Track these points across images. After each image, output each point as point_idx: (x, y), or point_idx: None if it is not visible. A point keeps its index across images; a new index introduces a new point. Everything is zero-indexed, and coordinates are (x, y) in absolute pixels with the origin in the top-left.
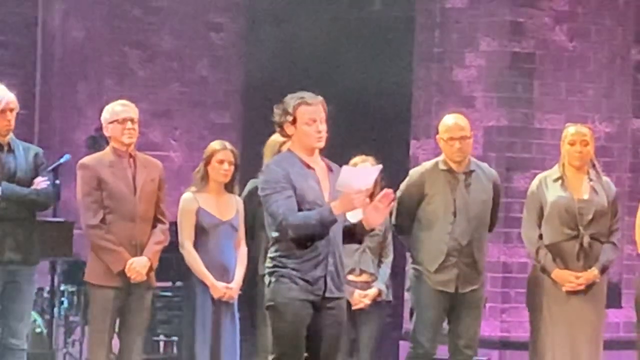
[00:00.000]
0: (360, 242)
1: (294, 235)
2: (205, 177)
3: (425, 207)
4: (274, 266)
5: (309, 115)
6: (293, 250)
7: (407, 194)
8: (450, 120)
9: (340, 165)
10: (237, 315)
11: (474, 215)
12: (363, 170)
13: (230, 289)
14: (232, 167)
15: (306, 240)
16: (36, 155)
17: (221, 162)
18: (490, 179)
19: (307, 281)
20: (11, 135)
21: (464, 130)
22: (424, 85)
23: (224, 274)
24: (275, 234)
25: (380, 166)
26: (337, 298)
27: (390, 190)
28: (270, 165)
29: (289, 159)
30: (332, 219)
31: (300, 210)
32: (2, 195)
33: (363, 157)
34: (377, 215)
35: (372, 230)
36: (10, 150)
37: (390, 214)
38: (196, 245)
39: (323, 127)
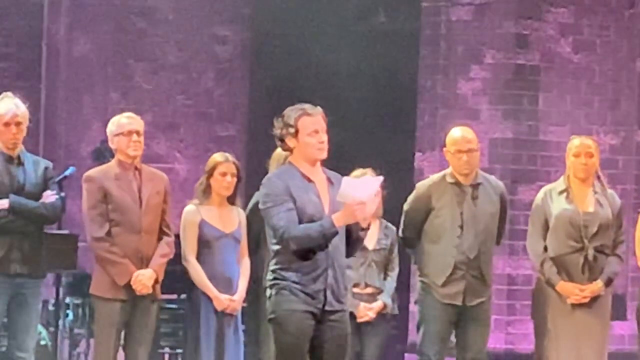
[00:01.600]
0: (355, 248)
1: (295, 247)
2: (207, 189)
3: (432, 220)
4: (275, 279)
5: (311, 126)
6: (293, 263)
7: (414, 207)
8: (458, 133)
9: (343, 176)
10: (240, 327)
11: (482, 228)
12: (364, 181)
13: (234, 301)
14: (235, 180)
15: (308, 252)
16: (46, 169)
17: (224, 174)
18: (497, 192)
19: (307, 294)
20: (21, 148)
21: (471, 143)
22: (429, 98)
23: (227, 286)
24: (275, 247)
25: (381, 177)
26: (339, 311)
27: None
28: (271, 178)
29: (289, 172)
30: (334, 231)
31: (300, 223)
32: (10, 208)
33: (362, 170)
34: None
35: (367, 228)
36: (20, 163)
37: (397, 226)
38: (199, 258)
39: (325, 137)
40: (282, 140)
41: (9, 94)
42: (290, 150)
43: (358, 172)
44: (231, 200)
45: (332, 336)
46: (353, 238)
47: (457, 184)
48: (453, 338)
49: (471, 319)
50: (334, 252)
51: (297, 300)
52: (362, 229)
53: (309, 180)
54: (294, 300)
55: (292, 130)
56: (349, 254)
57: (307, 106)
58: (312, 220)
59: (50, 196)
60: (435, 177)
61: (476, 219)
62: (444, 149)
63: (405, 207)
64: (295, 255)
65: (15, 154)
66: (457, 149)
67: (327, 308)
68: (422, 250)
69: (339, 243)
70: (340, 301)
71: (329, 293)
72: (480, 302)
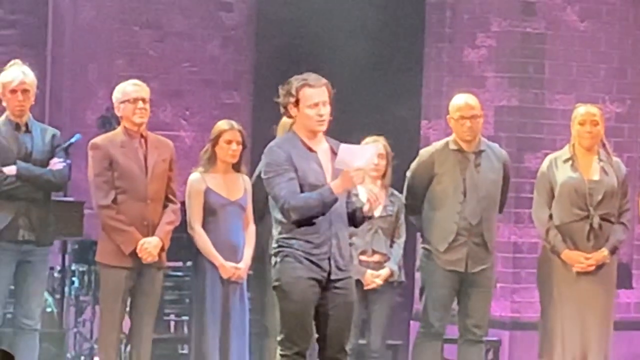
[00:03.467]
0: (356, 226)
1: (295, 217)
2: (212, 157)
3: (435, 186)
4: (279, 247)
5: (311, 99)
6: (297, 231)
7: (417, 174)
8: (461, 100)
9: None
10: (246, 295)
11: (484, 194)
12: (361, 148)
13: (239, 268)
14: (240, 147)
15: (308, 221)
16: (53, 136)
17: (229, 142)
18: (500, 159)
19: (312, 261)
20: (29, 115)
21: (474, 109)
22: (435, 66)
23: (232, 253)
24: (278, 216)
25: (379, 145)
26: (344, 278)
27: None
28: (273, 147)
29: (291, 141)
30: (333, 199)
31: (302, 192)
32: (17, 174)
33: (374, 137)
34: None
35: (371, 217)
36: (28, 130)
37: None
38: (205, 226)
39: (325, 110)
40: (285, 107)
41: (18, 61)
42: (293, 118)
43: (370, 139)
44: (236, 167)
45: (337, 303)
46: (358, 219)
47: (459, 150)
48: (456, 305)
49: (473, 286)
50: (336, 220)
51: (302, 268)
52: (370, 217)
53: (311, 150)
54: (299, 267)
55: (292, 99)
56: (352, 226)
57: (311, 77)
58: (314, 189)
59: (57, 163)
60: (438, 144)
61: (479, 185)
62: (448, 115)
63: (408, 173)
64: (296, 224)
65: (23, 121)
66: (461, 115)
67: (332, 276)
68: (425, 217)
69: (341, 211)
70: (344, 269)
71: (332, 262)
72: (483, 269)
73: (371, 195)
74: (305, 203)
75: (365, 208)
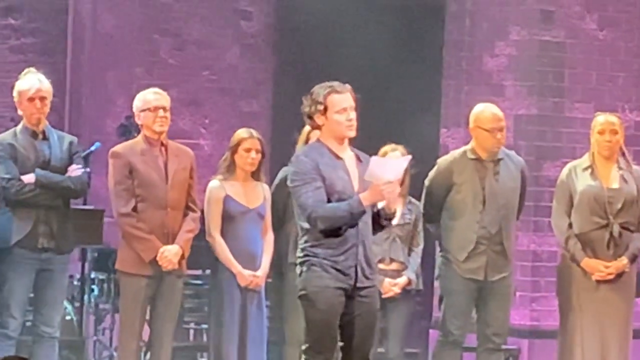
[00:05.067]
0: (382, 227)
1: (323, 226)
2: (232, 165)
3: (454, 196)
4: (305, 255)
5: (339, 104)
6: (323, 239)
7: (436, 183)
8: (492, 111)
9: (370, 155)
10: (264, 303)
11: (503, 203)
12: (392, 161)
13: (257, 276)
14: (259, 156)
15: (335, 231)
16: (71, 143)
17: (248, 150)
18: (517, 167)
19: (338, 270)
20: (46, 123)
21: (502, 121)
22: (454, 74)
23: (250, 261)
24: (305, 224)
25: (409, 157)
26: (369, 286)
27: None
28: (300, 156)
29: (318, 150)
30: (361, 210)
31: (329, 200)
32: (36, 182)
33: (393, 145)
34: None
35: (394, 214)
36: (45, 138)
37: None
38: (223, 233)
39: (353, 115)
40: (310, 117)
41: (32, 69)
42: (319, 127)
43: (389, 147)
44: (256, 176)
45: (362, 312)
46: (380, 224)
47: (478, 159)
48: (475, 314)
49: (493, 294)
50: (363, 229)
51: (328, 277)
52: (390, 219)
53: (338, 158)
54: (325, 276)
55: (320, 107)
56: (378, 228)
57: (335, 84)
58: (341, 198)
59: (75, 170)
60: (456, 152)
61: (498, 194)
62: (474, 125)
63: (427, 182)
64: (322, 233)
65: (40, 129)
66: (492, 127)
67: (358, 284)
68: (444, 226)
69: (367, 220)
70: (370, 277)
71: (359, 269)
72: (502, 277)
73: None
74: (333, 213)
75: (383, 205)
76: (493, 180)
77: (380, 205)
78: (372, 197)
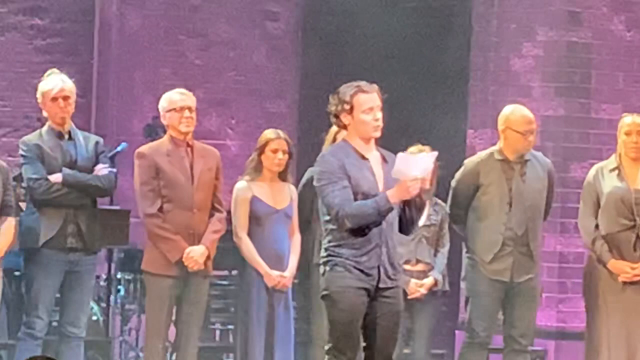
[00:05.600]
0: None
1: (350, 225)
2: (258, 166)
3: (480, 197)
4: (328, 255)
5: (366, 104)
6: (346, 239)
7: (462, 184)
8: (524, 113)
9: (396, 154)
10: (291, 303)
11: (530, 204)
12: (418, 158)
13: (284, 277)
14: (286, 156)
15: (362, 229)
16: (97, 143)
17: (275, 151)
18: (544, 168)
19: (361, 270)
20: (71, 123)
21: (534, 123)
22: (480, 75)
23: (277, 262)
24: (329, 224)
25: (436, 153)
26: (392, 287)
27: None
28: (326, 155)
29: (344, 149)
30: (389, 207)
31: (354, 200)
32: (63, 182)
33: (419, 146)
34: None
35: (424, 204)
36: (71, 138)
37: (447, 203)
38: (250, 234)
39: (380, 115)
40: (336, 117)
41: (55, 70)
42: (345, 127)
43: (415, 148)
44: (282, 176)
45: (385, 312)
46: (408, 218)
47: (505, 160)
48: (501, 315)
49: (519, 296)
50: (387, 229)
51: (351, 277)
52: (420, 209)
53: (364, 158)
54: (348, 276)
55: (347, 107)
56: (403, 232)
57: (362, 83)
58: (366, 197)
59: (102, 169)
60: (482, 154)
61: (524, 195)
62: (504, 127)
63: (453, 183)
64: (349, 232)
65: (65, 129)
66: (526, 130)
67: (380, 285)
68: (470, 227)
69: (392, 220)
70: (393, 278)
71: (382, 270)
72: (529, 279)
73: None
74: (361, 211)
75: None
76: (520, 181)
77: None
78: (399, 194)
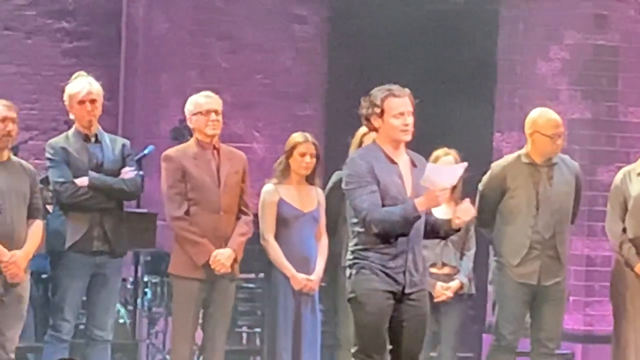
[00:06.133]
0: (444, 238)
1: (377, 230)
2: (286, 169)
3: (507, 200)
4: (355, 258)
5: (397, 108)
6: (373, 243)
7: (489, 188)
8: (551, 117)
9: (425, 157)
10: (318, 307)
11: (557, 208)
12: (448, 168)
13: (311, 280)
14: (314, 160)
15: (389, 235)
16: (123, 146)
17: (303, 154)
18: (572, 171)
19: (387, 274)
20: (98, 126)
21: (562, 127)
22: (507, 78)
23: (304, 265)
24: (356, 227)
25: (465, 164)
26: (419, 290)
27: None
28: (355, 158)
29: (373, 152)
30: (416, 215)
31: (382, 204)
32: (89, 185)
33: (445, 149)
34: (464, 215)
35: (459, 230)
36: (97, 141)
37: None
38: (277, 237)
39: (410, 120)
40: (367, 119)
41: (83, 72)
42: (376, 130)
43: (441, 151)
44: (310, 180)
45: (412, 315)
46: (439, 235)
47: (532, 164)
48: (528, 318)
49: (546, 299)
50: (414, 236)
51: (378, 280)
52: (457, 231)
53: (393, 162)
54: (375, 279)
55: (377, 110)
56: (426, 238)
57: (395, 87)
58: (394, 203)
59: (128, 172)
60: (509, 157)
61: (552, 198)
62: (532, 130)
63: (480, 187)
64: (376, 237)
65: (92, 132)
66: (554, 133)
67: (406, 290)
68: (498, 230)
69: (418, 226)
70: (419, 283)
71: (407, 275)
72: (556, 282)
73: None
74: (388, 217)
75: (456, 221)
76: (547, 184)
77: (440, 214)
78: (428, 203)
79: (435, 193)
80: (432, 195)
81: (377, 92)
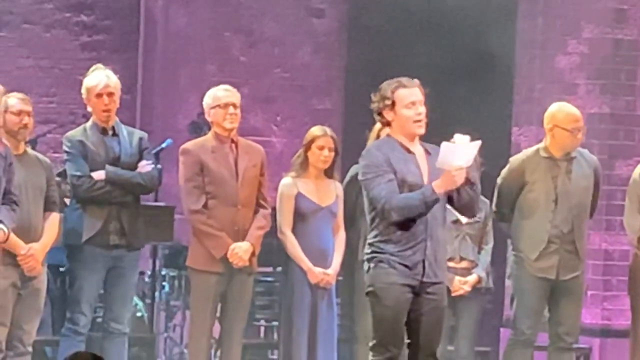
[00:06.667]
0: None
1: (397, 217)
2: (305, 162)
3: (526, 194)
4: (372, 252)
5: (407, 98)
6: (391, 235)
7: (508, 182)
8: (571, 111)
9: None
10: (335, 300)
11: (576, 202)
12: (462, 147)
13: (328, 274)
14: (332, 154)
15: (408, 222)
16: (141, 139)
17: (321, 148)
18: (591, 165)
19: (405, 266)
20: (116, 119)
21: (581, 121)
22: (526, 72)
23: (322, 259)
24: (373, 220)
25: (479, 142)
26: (437, 283)
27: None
28: (371, 149)
29: (388, 144)
30: (435, 198)
31: (400, 193)
32: (106, 179)
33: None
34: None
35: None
36: (115, 134)
37: (491, 201)
38: (295, 231)
39: (422, 109)
40: (379, 114)
41: (100, 65)
42: (389, 124)
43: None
44: (329, 173)
45: (429, 309)
46: (466, 200)
47: (551, 158)
48: (546, 313)
49: (565, 294)
50: (432, 223)
51: (395, 273)
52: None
53: (409, 152)
54: (392, 272)
55: (388, 102)
56: (467, 215)
57: (403, 79)
58: (412, 190)
59: (145, 166)
60: (528, 151)
61: (570, 193)
62: (552, 125)
63: (499, 181)
64: (395, 225)
65: (109, 125)
66: (574, 127)
67: (425, 280)
68: (516, 225)
69: (437, 214)
70: (438, 274)
71: (427, 265)
72: (574, 277)
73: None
74: (407, 203)
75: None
76: (566, 179)
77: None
78: (445, 184)
79: (451, 173)
80: (448, 176)
81: (387, 85)
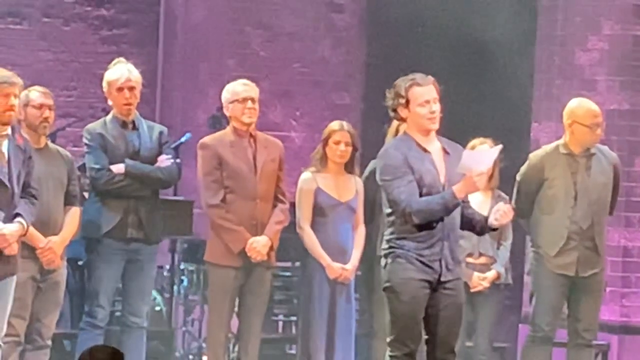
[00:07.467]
0: (479, 234)
1: (417, 221)
2: (323, 157)
3: (545, 191)
4: (390, 247)
5: (421, 96)
6: (409, 232)
7: (527, 178)
8: (590, 107)
9: (459, 144)
10: (353, 296)
11: (595, 198)
12: (484, 153)
13: (347, 270)
14: (349, 148)
15: (429, 224)
16: (160, 133)
17: (338, 142)
18: (610, 162)
19: (423, 262)
20: (136, 113)
21: (600, 117)
22: (546, 68)
23: (340, 254)
24: (391, 216)
25: (500, 146)
26: (454, 279)
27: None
28: (389, 149)
29: (405, 143)
30: (456, 203)
31: (418, 194)
32: (125, 172)
33: (481, 139)
34: (502, 218)
35: (495, 229)
36: (135, 128)
37: (511, 197)
38: (314, 226)
39: (436, 107)
40: (394, 110)
41: (122, 59)
42: (404, 120)
43: (477, 141)
44: (348, 169)
45: (447, 304)
46: (474, 230)
47: (570, 154)
48: (566, 309)
49: (584, 290)
50: (449, 223)
51: (413, 269)
52: (494, 230)
53: (425, 151)
54: (410, 268)
55: (402, 100)
56: (462, 229)
57: (418, 76)
58: (429, 191)
59: (165, 160)
60: (548, 147)
61: (590, 189)
62: (571, 121)
63: (518, 177)
64: (414, 226)
65: (130, 119)
66: (593, 123)
67: (442, 278)
68: (535, 221)
69: (454, 214)
70: (455, 271)
71: (444, 262)
72: (594, 273)
73: (501, 212)
74: (428, 207)
75: (493, 221)
76: (585, 175)
77: (491, 219)
78: (466, 189)
79: (472, 178)
80: (470, 181)
81: (401, 82)
